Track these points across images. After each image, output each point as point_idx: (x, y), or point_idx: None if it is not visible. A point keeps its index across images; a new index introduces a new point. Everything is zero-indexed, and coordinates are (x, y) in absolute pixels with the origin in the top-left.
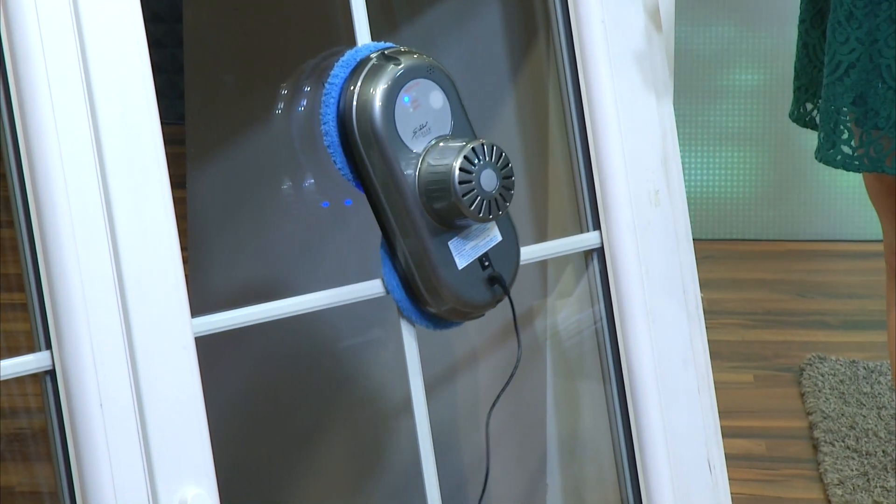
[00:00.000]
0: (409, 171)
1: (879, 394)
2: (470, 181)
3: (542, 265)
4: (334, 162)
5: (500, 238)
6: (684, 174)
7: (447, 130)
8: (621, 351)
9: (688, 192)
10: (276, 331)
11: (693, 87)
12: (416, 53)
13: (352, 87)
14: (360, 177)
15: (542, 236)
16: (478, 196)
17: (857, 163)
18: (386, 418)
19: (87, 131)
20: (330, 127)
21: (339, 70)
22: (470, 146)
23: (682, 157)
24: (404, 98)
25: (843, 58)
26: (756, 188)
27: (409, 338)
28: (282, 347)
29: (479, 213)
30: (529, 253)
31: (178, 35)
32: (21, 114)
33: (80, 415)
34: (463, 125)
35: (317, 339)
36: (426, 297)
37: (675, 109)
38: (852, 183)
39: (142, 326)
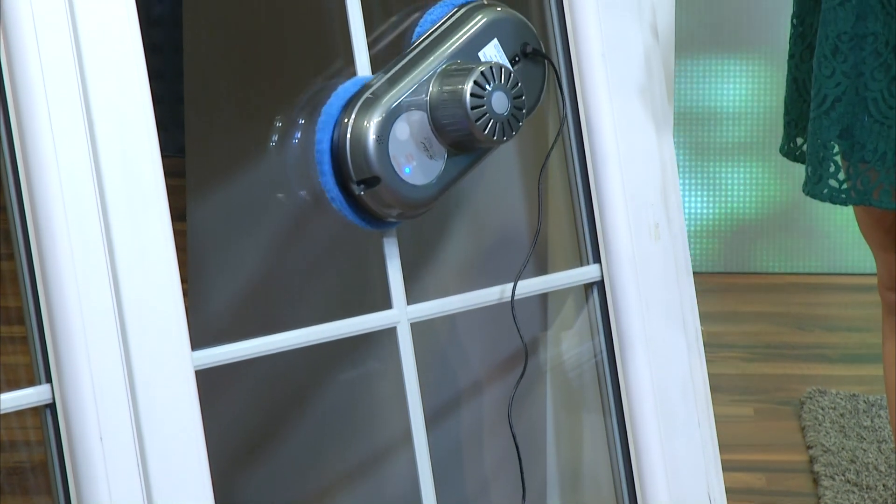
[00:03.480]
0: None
1: (880, 427)
2: (482, 105)
3: (543, 298)
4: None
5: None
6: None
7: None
8: (621, 383)
9: (687, 225)
10: (277, 360)
11: (693, 131)
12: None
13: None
14: None
15: (542, 269)
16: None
17: (843, 196)
18: (385, 448)
19: (87, 163)
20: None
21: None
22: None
23: (682, 188)
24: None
25: (829, 91)
26: (755, 221)
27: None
28: (282, 376)
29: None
30: (530, 286)
31: (177, 66)
32: (21, 145)
33: (80, 448)
34: None
35: (317, 369)
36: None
37: (674, 140)
38: (851, 215)
39: (142, 360)
